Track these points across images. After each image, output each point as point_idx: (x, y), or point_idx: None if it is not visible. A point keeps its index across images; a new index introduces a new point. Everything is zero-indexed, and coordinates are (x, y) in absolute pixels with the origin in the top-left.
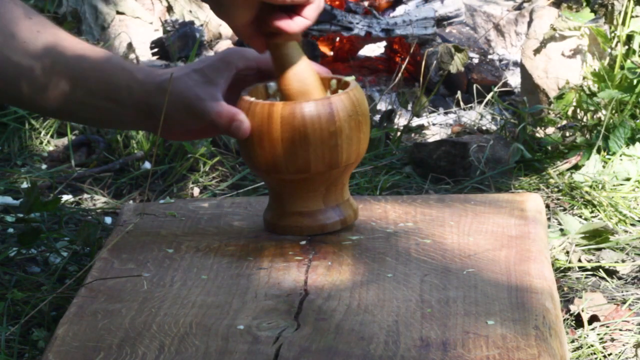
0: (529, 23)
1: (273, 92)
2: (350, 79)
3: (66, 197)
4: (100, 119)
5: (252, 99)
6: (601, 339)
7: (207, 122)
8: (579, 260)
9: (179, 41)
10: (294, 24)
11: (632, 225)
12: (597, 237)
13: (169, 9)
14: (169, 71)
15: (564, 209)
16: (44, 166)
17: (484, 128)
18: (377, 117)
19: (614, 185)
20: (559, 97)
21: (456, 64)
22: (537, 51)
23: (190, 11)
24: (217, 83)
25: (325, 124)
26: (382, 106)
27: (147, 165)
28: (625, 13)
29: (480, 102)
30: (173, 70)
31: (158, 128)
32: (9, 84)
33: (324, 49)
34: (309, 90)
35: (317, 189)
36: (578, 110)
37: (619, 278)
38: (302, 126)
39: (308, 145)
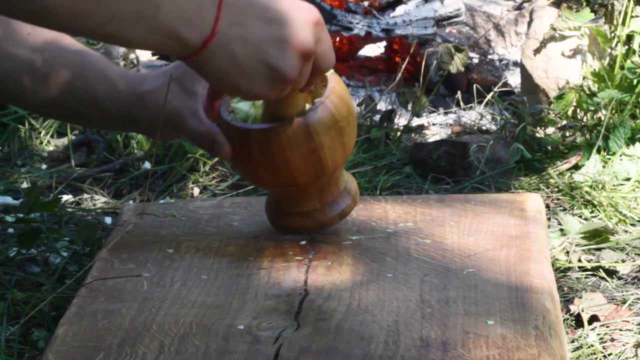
0: (529, 23)
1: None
2: (329, 73)
3: (66, 197)
4: (91, 123)
5: (230, 117)
6: (601, 339)
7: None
8: (579, 260)
9: None
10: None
11: (632, 225)
12: (597, 237)
13: None
14: (148, 77)
15: (564, 209)
16: (44, 166)
17: (484, 128)
18: (377, 117)
19: (614, 185)
20: (559, 97)
21: (456, 64)
22: (537, 51)
23: None
24: (195, 92)
25: (304, 143)
26: (382, 106)
27: (147, 165)
28: (625, 13)
29: (480, 102)
30: (150, 77)
31: (146, 133)
32: (7, 80)
33: None
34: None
35: (311, 192)
36: (578, 110)
37: (619, 278)
38: (280, 149)
39: (289, 164)
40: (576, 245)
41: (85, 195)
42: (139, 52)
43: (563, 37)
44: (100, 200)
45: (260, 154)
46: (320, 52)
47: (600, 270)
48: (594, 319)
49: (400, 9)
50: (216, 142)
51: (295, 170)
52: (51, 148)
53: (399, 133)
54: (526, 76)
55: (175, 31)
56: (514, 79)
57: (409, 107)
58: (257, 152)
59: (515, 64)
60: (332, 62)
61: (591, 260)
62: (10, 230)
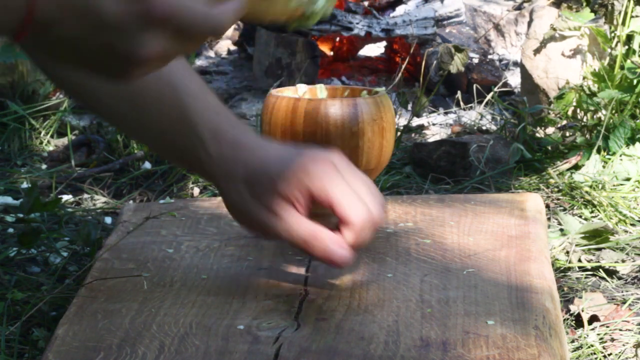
0: (529, 23)
1: (302, 94)
2: (381, 89)
3: (66, 197)
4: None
5: (279, 94)
6: (601, 339)
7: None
8: (579, 260)
9: None
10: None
11: (632, 225)
12: (597, 237)
13: None
14: (243, 146)
15: (564, 209)
16: (44, 166)
17: (484, 128)
18: None
19: (614, 185)
20: (559, 97)
21: (456, 64)
22: (537, 51)
23: None
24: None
25: (349, 123)
26: None
27: (147, 165)
28: (625, 13)
29: (480, 102)
30: (248, 149)
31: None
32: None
33: (324, 49)
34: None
35: None
36: (578, 110)
37: (619, 278)
38: (324, 122)
39: (329, 142)
40: (576, 245)
41: (85, 195)
42: None
43: (563, 37)
44: (100, 200)
45: (304, 125)
46: (179, 22)
47: (600, 270)
48: (594, 319)
49: (400, 9)
50: (317, 237)
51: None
52: (51, 148)
53: (399, 133)
54: (526, 76)
55: None
56: (514, 79)
57: (409, 107)
58: (302, 123)
59: (515, 64)
60: (203, 20)
61: (591, 260)
62: (10, 230)
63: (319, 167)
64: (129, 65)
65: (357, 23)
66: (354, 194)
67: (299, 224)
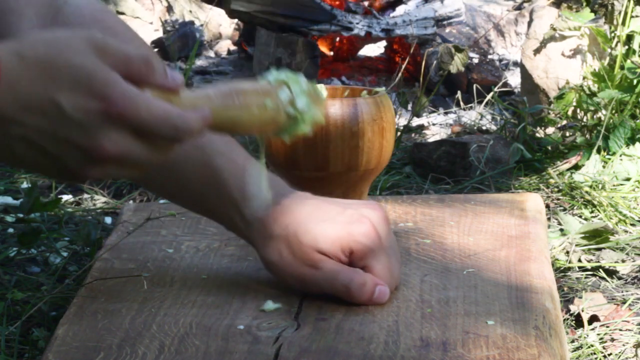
0: (529, 23)
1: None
2: (381, 89)
3: (66, 197)
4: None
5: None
6: (601, 339)
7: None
8: (579, 260)
9: (178, 41)
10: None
11: (632, 225)
12: (597, 237)
13: (169, 9)
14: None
15: (564, 209)
16: None
17: (484, 128)
18: None
19: (614, 185)
20: (559, 97)
21: (456, 64)
22: (537, 51)
23: (190, 11)
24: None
25: (349, 123)
26: None
27: None
28: (625, 13)
29: (480, 102)
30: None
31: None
32: None
33: (324, 49)
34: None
35: (334, 192)
36: (578, 110)
37: (619, 278)
38: (324, 122)
39: (329, 142)
40: (576, 245)
41: (85, 195)
42: None
43: (563, 37)
44: (100, 200)
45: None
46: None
47: (600, 270)
48: (594, 319)
49: (400, 9)
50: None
51: (332, 151)
52: None
53: (399, 133)
54: (526, 76)
55: None
56: (514, 79)
57: (409, 107)
58: None
59: (515, 64)
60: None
61: (591, 260)
62: (10, 230)
63: (362, 230)
64: (88, 162)
65: (357, 23)
66: (387, 261)
67: (339, 272)
